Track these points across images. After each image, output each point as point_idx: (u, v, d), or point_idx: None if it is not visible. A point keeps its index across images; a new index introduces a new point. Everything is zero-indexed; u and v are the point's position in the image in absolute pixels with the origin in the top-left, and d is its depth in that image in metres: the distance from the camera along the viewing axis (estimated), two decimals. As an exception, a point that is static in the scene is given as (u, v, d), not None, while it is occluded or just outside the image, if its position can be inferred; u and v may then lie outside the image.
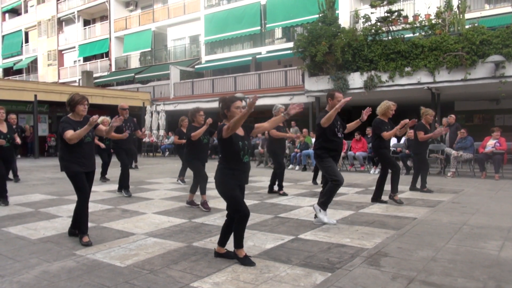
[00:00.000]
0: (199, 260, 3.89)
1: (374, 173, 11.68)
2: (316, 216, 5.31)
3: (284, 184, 8.09)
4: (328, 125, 5.12)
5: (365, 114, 5.56)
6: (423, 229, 4.96)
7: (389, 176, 6.81)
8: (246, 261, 3.74)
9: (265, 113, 19.24)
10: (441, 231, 4.88)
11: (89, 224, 5.27)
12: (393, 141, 12.58)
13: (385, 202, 6.78)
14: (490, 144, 10.28)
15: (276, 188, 7.98)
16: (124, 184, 7.72)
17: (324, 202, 5.21)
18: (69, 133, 4.38)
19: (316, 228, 5.13)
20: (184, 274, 3.52)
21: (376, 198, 6.90)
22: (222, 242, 3.96)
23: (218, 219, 5.65)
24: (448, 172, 10.70)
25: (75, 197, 4.65)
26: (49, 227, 5.24)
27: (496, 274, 3.44)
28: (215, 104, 21.08)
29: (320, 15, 15.88)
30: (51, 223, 5.51)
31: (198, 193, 6.47)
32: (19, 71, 36.71)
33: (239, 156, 3.77)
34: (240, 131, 3.89)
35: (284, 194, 7.77)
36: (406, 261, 3.77)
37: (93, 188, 8.57)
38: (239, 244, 3.81)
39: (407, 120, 6.67)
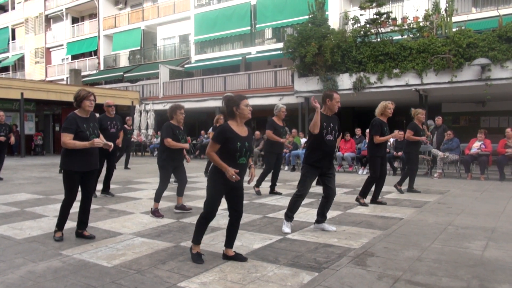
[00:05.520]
0: (187, 260, 3.89)
1: (363, 173, 11.77)
2: (315, 223, 5.15)
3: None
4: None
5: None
6: (409, 230, 5.02)
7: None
8: (195, 258, 3.80)
9: (256, 113, 19.26)
10: (427, 231, 4.95)
11: (75, 224, 5.24)
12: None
13: (384, 203, 6.82)
14: (476, 145, 10.44)
15: (255, 185, 7.93)
16: (104, 184, 7.63)
17: (288, 214, 5.00)
18: (67, 138, 4.33)
19: (303, 228, 5.17)
20: (172, 274, 3.51)
21: (375, 199, 6.89)
22: (228, 243, 3.92)
23: (207, 219, 5.64)
24: (434, 173, 10.83)
25: (61, 197, 4.61)
26: (35, 227, 5.19)
27: (479, 274, 3.50)
28: (205, 104, 21.11)
29: (310, 16, 15.96)
30: (37, 222, 5.44)
31: (180, 195, 6.34)
32: (5, 69, 36.17)
33: (234, 156, 3.64)
34: (244, 132, 3.74)
35: (258, 193, 7.81)
36: (392, 261, 3.82)
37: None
38: (196, 240, 3.85)
39: (402, 133, 6.69)
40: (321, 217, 5.09)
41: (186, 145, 5.97)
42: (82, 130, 4.41)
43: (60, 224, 4.61)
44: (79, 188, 4.58)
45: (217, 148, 3.65)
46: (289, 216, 5.01)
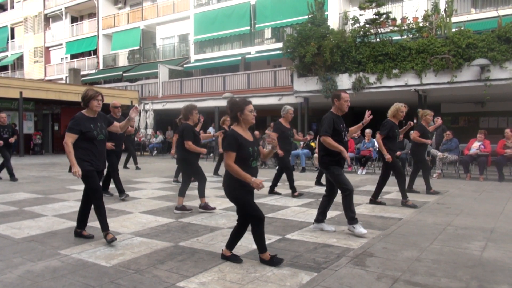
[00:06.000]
0: (186, 260, 3.88)
1: (361, 173, 11.77)
2: (315, 222, 5.08)
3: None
4: (334, 129, 4.82)
5: (367, 116, 5.37)
6: (408, 230, 5.02)
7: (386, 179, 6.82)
8: (275, 261, 3.71)
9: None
10: (426, 231, 4.95)
11: (74, 224, 5.22)
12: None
13: (383, 203, 6.74)
14: (475, 146, 10.44)
15: (292, 192, 7.70)
16: (118, 187, 7.30)
17: (351, 216, 4.84)
18: (69, 139, 4.28)
19: (303, 228, 5.16)
20: (171, 274, 3.51)
21: (374, 199, 6.82)
22: (231, 245, 3.87)
23: (205, 219, 5.65)
24: (433, 173, 10.83)
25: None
26: (33, 226, 5.18)
27: (478, 274, 3.50)
28: (204, 104, 21.09)
29: (310, 16, 15.95)
30: (35, 222, 5.43)
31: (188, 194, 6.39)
32: (4, 68, 36.13)
33: (248, 161, 3.65)
34: (249, 136, 3.75)
35: (300, 194, 7.56)
36: (391, 261, 3.82)
37: (79, 187, 8.51)
38: (262, 248, 3.75)
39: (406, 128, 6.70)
40: (322, 216, 5.05)
41: (204, 150, 6.34)
42: (89, 130, 4.36)
43: (104, 227, 4.43)
44: (83, 188, 4.54)
45: (234, 157, 3.61)
46: (353, 217, 4.82)
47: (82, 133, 4.34)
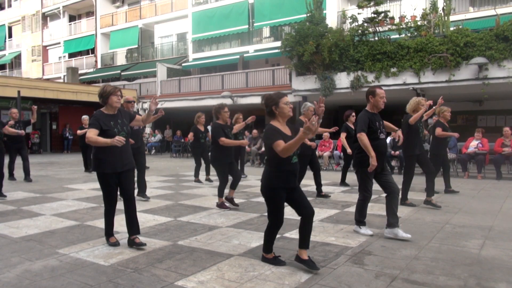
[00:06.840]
0: (184, 258, 3.88)
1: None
2: (387, 227, 4.76)
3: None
4: (369, 128, 4.66)
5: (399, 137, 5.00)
6: (406, 228, 5.02)
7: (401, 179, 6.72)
8: (274, 262, 3.71)
9: (253, 112, 19.26)
10: (424, 230, 4.96)
11: (72, 223, 5.25)
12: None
13: (414, 205, 6.53)
14: (473, 144, 10.46)
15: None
16: (140, 188, 7.15)
17: (359, 219, 4.83)
18: (91, 133, 4.00)
19: (301, 226, 5.16)
20: (169, 273, 3.51)
21: (404, 200, 6.59)
22: (304, 243, 3.63)
23: (204, 218, 5.65)
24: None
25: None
26: (31, 226, 5.16)
27: (476, 272, 3.51)
28: (202, 102, 21.09)
29: (308, 14, 15.96)
30: (33, 221, 5.42)
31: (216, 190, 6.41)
32: (2, 67, 36.00)
33: (290, 157, 3.53)
34: (287, 131, 3.63)
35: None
36: (389, 260, 3.82)
37: (77, 186, 8.52)
38: (268, 249, 3.75)
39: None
40: (393, 218, 4.61)
41: (244, 142, 6.75)
42: (109, 128, 4.11)
43: (108, 231, 4.34)
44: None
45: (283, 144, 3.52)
46: (361, 221, 4.81)
47: (103, 131, 4.08)
